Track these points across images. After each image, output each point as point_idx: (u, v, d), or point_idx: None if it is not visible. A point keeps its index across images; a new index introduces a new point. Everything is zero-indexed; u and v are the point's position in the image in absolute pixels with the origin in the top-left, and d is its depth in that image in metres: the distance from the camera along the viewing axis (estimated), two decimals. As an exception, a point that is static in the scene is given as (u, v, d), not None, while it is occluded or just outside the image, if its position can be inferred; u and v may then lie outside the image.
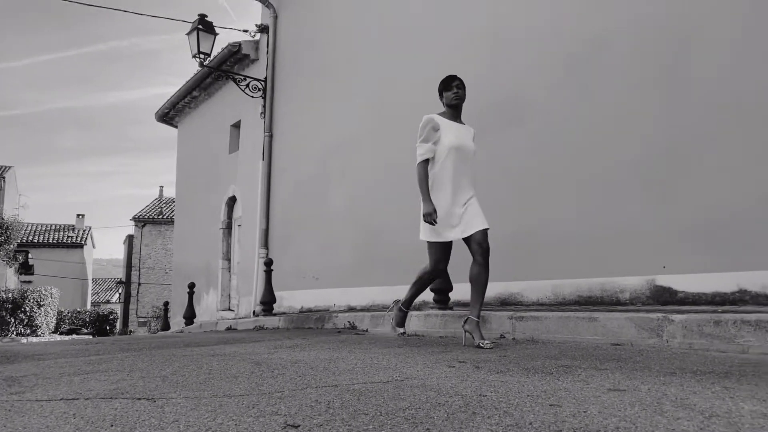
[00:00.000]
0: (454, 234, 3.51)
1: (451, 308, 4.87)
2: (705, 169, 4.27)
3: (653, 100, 4.63)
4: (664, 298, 4.48)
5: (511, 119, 5.72)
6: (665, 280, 4.51)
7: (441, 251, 3.62)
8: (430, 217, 3.45)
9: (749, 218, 4.05)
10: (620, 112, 4.83)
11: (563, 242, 5.11)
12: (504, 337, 3.94)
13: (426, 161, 3.56)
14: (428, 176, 3.54)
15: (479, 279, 3.38)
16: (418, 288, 3.87)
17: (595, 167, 4.98)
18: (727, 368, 2.27)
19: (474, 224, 3.45)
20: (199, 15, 9.47)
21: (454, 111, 3.69)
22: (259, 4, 10.05)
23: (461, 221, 3.47)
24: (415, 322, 4.72)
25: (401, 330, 4.02)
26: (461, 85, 3.67)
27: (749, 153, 4.07)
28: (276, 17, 9.89)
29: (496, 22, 6.02)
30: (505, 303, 5.50)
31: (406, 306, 4.02)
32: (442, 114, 3.67)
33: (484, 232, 3.45)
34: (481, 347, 3.21)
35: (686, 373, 2.19)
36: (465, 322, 3.45)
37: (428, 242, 3.64)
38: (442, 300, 4.87)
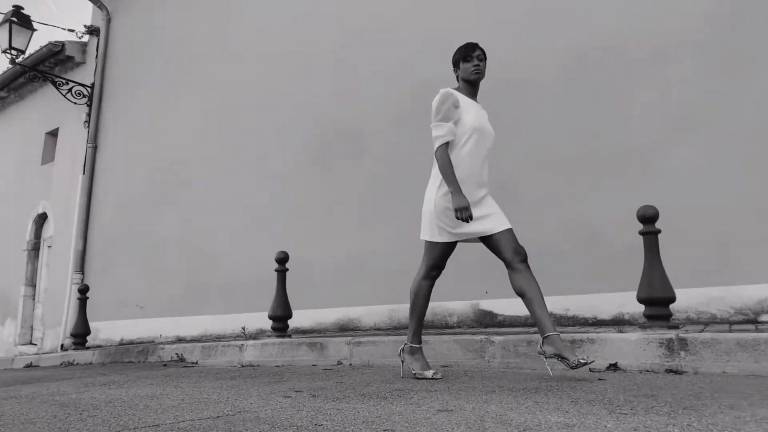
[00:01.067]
0: (474, 228, 2.81)
1: (289, 336, 4.77)
2: (523, 204, 4.78)
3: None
4: (486, 320, 4.88)
5: (354, 148, 5.88)
6: (487, 305, 4.92)
7: (443, 255, 2.94)
8: (466, 213, 2.71)
9: (554, 249, 4.60)
10: (452, 148, 5.23)
11: (400, 268, 5.31)
12: (341, 363, 3.95)
13: (446, 145, 2.84)
14: (451, 163, 2.82)
15: (532, 288, 2.75)
16: (418, 312, 2.98)
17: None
18: (536, 384, 2.53)
19: (501, 221, 2.84)
20: (13, 6, 8.33)
21: (471, 88, 3.00)
22: (90, 4, 9.17)
23: (482, 217, 2.83)
24: (250, 352, 4.53)
25: (430, 372, 2.88)
26: (483, 56, 2.99)
27: (558, 191, 4.66)
28: (109, 20, 9.10)
29: (343, 52, 6.19)
30: (344, 328, 5.55)
31: (417, 341, 2.99)
32: (456, 89, 2.97)
33: (512, 232, 2.85)
34: (583, 362, 2.50)
35: (504, 390, 2.39)
36: (543, 345, 2.65)
37: (429, 243, 2.92)
38: (281, 327, 4.75)
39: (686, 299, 4.05)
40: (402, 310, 5.25)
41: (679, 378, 2.57)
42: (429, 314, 5.08)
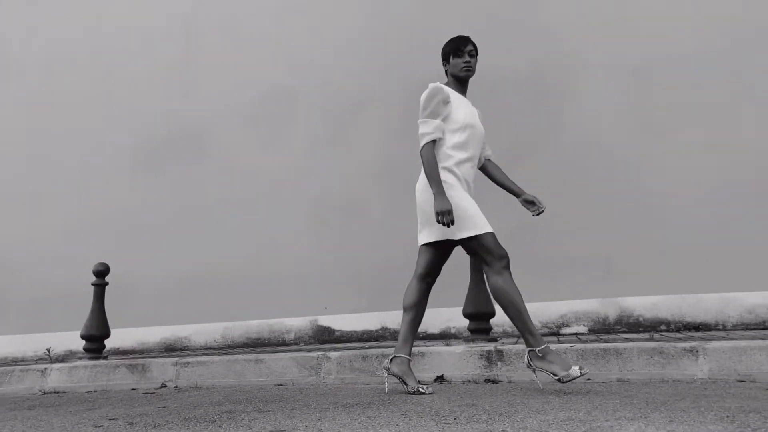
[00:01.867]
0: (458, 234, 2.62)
1: (105, 357, 4.28)
2: (367, 220, 4.90)
3: (329, 153, 5.16)
4: (324, 337, 4.87)
5: (193, 152, 5.55)
6: (326, 320, 4.93)
7: (441, 257, 2.76)
8: (448, 216, 2.52)
9: (391, 266, 4.78)
10: (300, 161, 5.20)
11: (235, 284, 5.10)
12: (165, 386, 3.64)
13: (433, 143, 2.66)
14: (437, 162, 2.64)
15: (509, 296, 2.59)
16: (412, 318, 2.74)
17: (269, 211, 5.19)
18: (370, 399, 2.57)
19: (486, 223, 2.65)
20: None
21: (460, 85, 2.83)
22: None
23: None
24: (55, 376, 3.97)
25: (422, 387, 2.65)
26: (475, 52, 2.81)
27: (395, 211, 4.85)
28: None
29: (193, 49, 5.84)
30: (171, 348, 5.14)
31: (407, 351, 2.72)
32: (445, 85, 2.81)
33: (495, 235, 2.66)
34: (581, 374, 2.39)
35: (338, 407, 2.39)
36: (531, 359, 2.51)
37: (425, 245, 2.74)
38: (95, 348, 4.24)
39: (503, 314, 4.45)
40: (237, 327, 5.03)
41: (496, 387, 2.80)
42: (266, 331, 4.94)
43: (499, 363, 3.07)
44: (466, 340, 3.59)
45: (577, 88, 4.84)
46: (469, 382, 3.04)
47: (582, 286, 4.56)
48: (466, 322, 3.79)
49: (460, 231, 2.60)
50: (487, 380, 3.03)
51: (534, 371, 2.52)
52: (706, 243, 4.35)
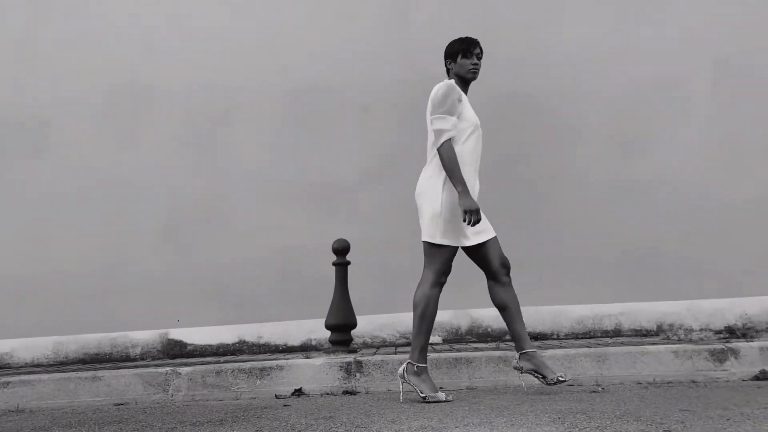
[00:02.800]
0: (474, 238, 2.64)
1: None
2: (231, 227, 4.69)
3: (190, 157, 4.87)
4: (175, 351, 4.56)
5: (32, 147, 4.93)
6: (178, 334, 4.61)
7: (450, 259, 2.67)
8: (476, 216, 2.49)
9: (252, 277, 4.64)
10: (156, 163, 4.85)
11: (71, 293, 4.58)
12: (-23, 411, 3.13)
13: (451, 140, 2.57)
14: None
15: (513, 303, 2.69)
16: (427, 325, 2.63)
17: (117, 214, 4.77)
18: (223, 416, 2.44)
19: (489, 230, 2.69)
20: None
21: (464, 86, 2.76)
22: None
23: (481, 224, 2.63)
24: None
25: (443, 395, 2.54)
26: (481, 56, 2.78)
27: (267, 217, 4.72)
28: None
29: (37, 30, 5.19)
30: (-14, 367, 4.47)
31: (424, 360, 2.61)
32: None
33: (498, 240, 2.73)
34: (561, 380, 2.54)
35: (186, 425, 2.23)
36: (520, 360, 2.65)
37: (436, 247, 2.61)
38: None
39: (365, 325, 4.53)
40: (71, 342, 4.52)
41: (354, 398, 2.82)
42: (107, 346, 4.51)
43: (358, 374, 3.09)
44: (327, 352, 3.58)
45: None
46: (328, 394, 3.02)
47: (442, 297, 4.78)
48: (328, 333, 3.78)
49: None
50: (346, 392, 3.03)
51: (521, 372, 2.65)
52: (542, 259, 4.80)
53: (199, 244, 4.75)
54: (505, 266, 2.72)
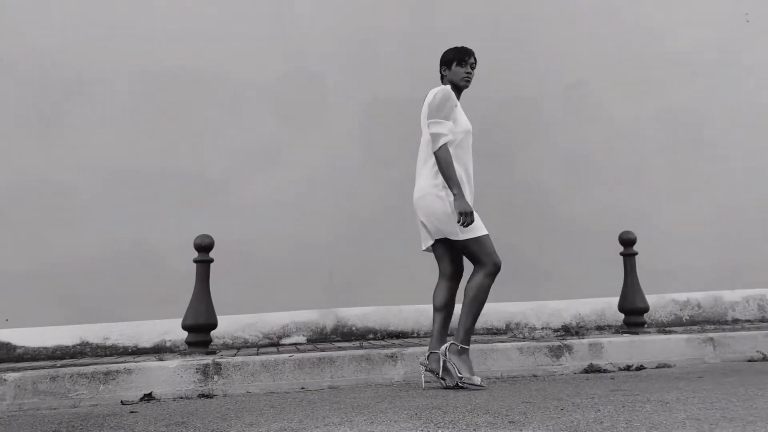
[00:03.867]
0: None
1: None
2: (72, 219, 4.23)
3: (31, 137, 4.32)
4: (1, 354, 4.01)
5: None
6: (6, 335, 4.07)
7: (491, 243, 2.76)
8: (470, 217, 2.63)
9: (100, 273, 4.23)
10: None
11: None
12: None
13: (447, 144, 2.70)
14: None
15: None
16: (479, 305, 2.73)
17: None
18: (56, 426, 2.19)
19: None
20: None
21: (457, 93, 2.89)
22: None
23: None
24: None
25: (477, 379, 2.62)
26: (475, 65, 2.92)
27: (126, 209, 4.33)
28: None
29: None
30: None
31: (467, 341, 2.69)
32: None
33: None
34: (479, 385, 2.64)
35: (10, 440, 1.96)
36: (428, 357, 2.75)
37: (475, 238, 2.70)
38: None
39: (227, 325, 4.35)
40: None
41: (210, 402, 2.68)
42: None
43: (216, 377, 2.95)
44: (182, 354, 3.37)
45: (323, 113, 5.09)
46: (182, 398, 2.85)
47: (306, 296, 4.75)
48: (185, 334, 3.56)
49: (464, 233, 2.68)
50: (202, 395, 2.88)
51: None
52: (405, 261, 4.99)
53: (36, 236, 4.23)
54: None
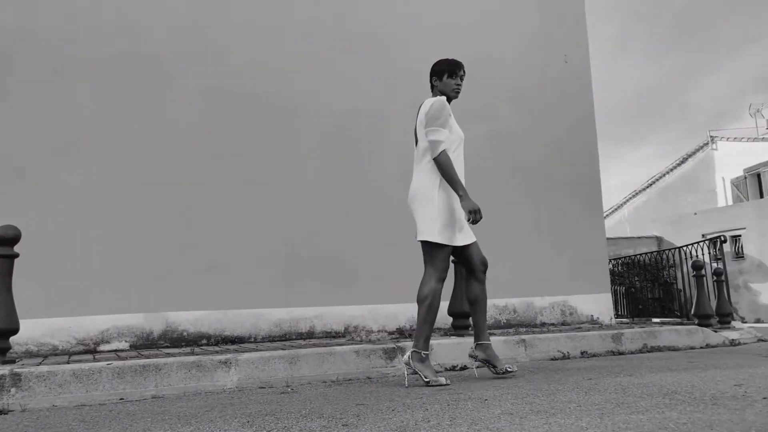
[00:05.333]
0: (462, 239, 2.91)
1: None
2: None
3: None
4: None
5: None
6: None
7: (448, 258, 2.90)
8: (479, 214, 2.77)
9: None
10: None
11: None
12: None
13: (446, 150, 2.85)
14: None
15: (485, 297, 3.00)
16: (433, 316, 2.83)
17: None
18: None
19: (471, 234, 2.98)
20: None
21: (450, 102, 3.08)
22: None
23: (465, 226, 2.93)
24: None
25: (443, 379, 2.78)
26: (464, 77, 3.10)
27: None
28: None
29: None
30: None
31: (425, 347, 2.84)
32: None
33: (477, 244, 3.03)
34: (510, 372, 2.93)
35: None
36: (475, 349, 3.01)
37: (434, 246, 2.84)
38: None
39: (31, 330, 3.81)
40: None
41: (3, 419, 2.31)
42: None
43: (13, 389, 2.55)
44: (-30, 364, 2.86)
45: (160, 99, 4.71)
46: (-35, 417, 2.41)
47: (131, 298, 4.35)
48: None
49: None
50: (-7, 412, 2.47)
51: (475, 359, 3.03)
52: (243, 263, 4.83)
53: None
54: (484, 265, 2.99)
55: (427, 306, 2.82)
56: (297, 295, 4.93)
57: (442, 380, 2.77)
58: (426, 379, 2.77)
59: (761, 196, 18.18)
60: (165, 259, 4.55)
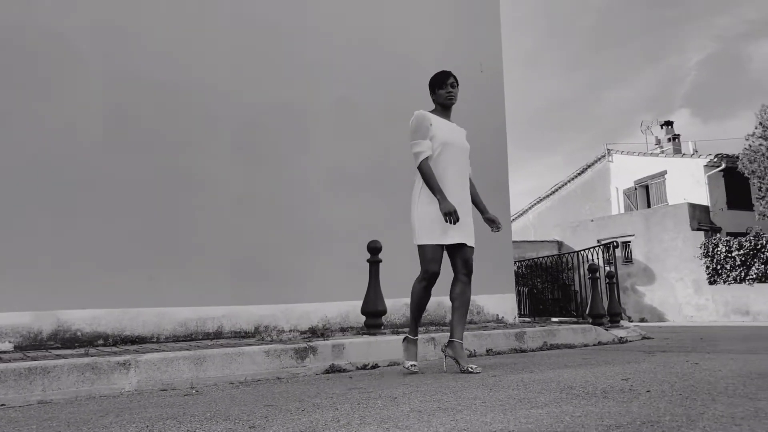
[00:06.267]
0: (451, 238, 3.08)
1: None
2: None
3: None
4: None
5: None
6: None
7: (436, 252, 3.07)
8: (453, 216, 2.97)
9: None
10: None
11: None
12: None
13: (428, 158, 3.11)
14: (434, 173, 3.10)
15: (463, 298, 3.15)
16: (414, 307, 3.18)
17: None
18: None
19: (471, 236, 3.18)
20: None
21: (445, 111, 3.30)
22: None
23: (459, 226, 3.09)
24: None
25: (408, 363, 3.12)
26: (456, 83, 3.27)
27: None
28: None
29: None
30: None
31: (412, 332, 3.22)
32: (432, 112, 3.25)
33: (472, 249, 3.20)
34: (471, 371, 2.99)
35: None
36: (447, 346, 3.16)
37: (418, 246, 3.11)
38: None
39: None
40: None
41: None
42: None
43: None
44: None
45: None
46: None
47: (16, 295, 3.98)
48: None
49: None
50: None
51: (445, 355, 3.15)
52: (144, 259, 4.58)
53: None
54: (465, 267, 3.15)
55: (412, 301, 3.17)
56: (205, 293, 4.74)
57: (408, 365, 3.10)
58: (401, 363, 3.22)
59: (649, 206, 19.88)
60: (58, 254, 4.21)
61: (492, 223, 3.35)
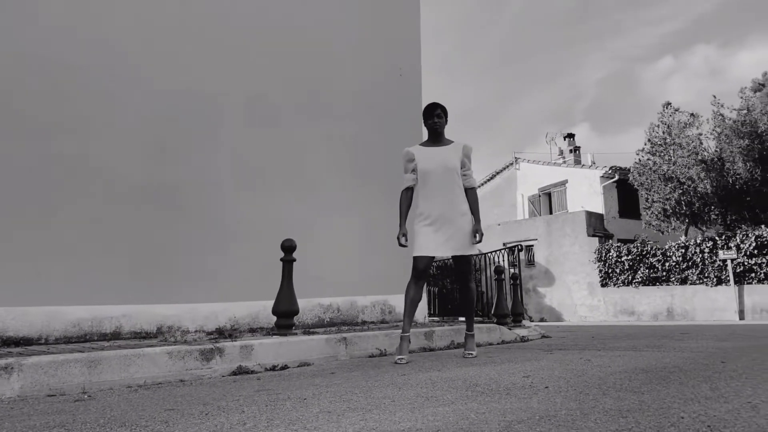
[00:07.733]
0: (435, 251, 3.63)
1: None
2: None
3: None
4: None
5: None
6: None
7: (422, 261, 3.64)
8: (398, 240, 3.68)
9: None
10: None
11: None
12: None
13: (407, 189, 3.82)
14: (408, 202, 3.81)
15: (465, 299, 3.83)
16: (406, 306, 3.66)
17: None
18: None
19: (453, 249, 3.67)
20: None
21: (435, 136, 3.85)
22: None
23: (449, 240, 3.65)
24: None
25: (397, 357, 3.53)
26: (441, 114, 3.82)
27: None
28: None
29: None
30: None
31: (406, 329, 3.63)
32: (426, 141, 3.89)
33: (466, 258, 3.74)
34: (469, 356, 3.72)
35: None
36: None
37: (413, 256, 3.68)
38: None
39: None
40: None
41: None
42: None
43: None
44: None
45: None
46: None
47: None
48: None
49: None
50: None
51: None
52: (28, 252, 4.22)
53: None
54: (461, 273, 3.77)
55: (405, 299, 3.65)
56: (101, 290, 4.43)
57: (396, 358, 3.49)
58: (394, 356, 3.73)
59: (551, 212, 21.12)
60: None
61: (473, 234, 3.70)
